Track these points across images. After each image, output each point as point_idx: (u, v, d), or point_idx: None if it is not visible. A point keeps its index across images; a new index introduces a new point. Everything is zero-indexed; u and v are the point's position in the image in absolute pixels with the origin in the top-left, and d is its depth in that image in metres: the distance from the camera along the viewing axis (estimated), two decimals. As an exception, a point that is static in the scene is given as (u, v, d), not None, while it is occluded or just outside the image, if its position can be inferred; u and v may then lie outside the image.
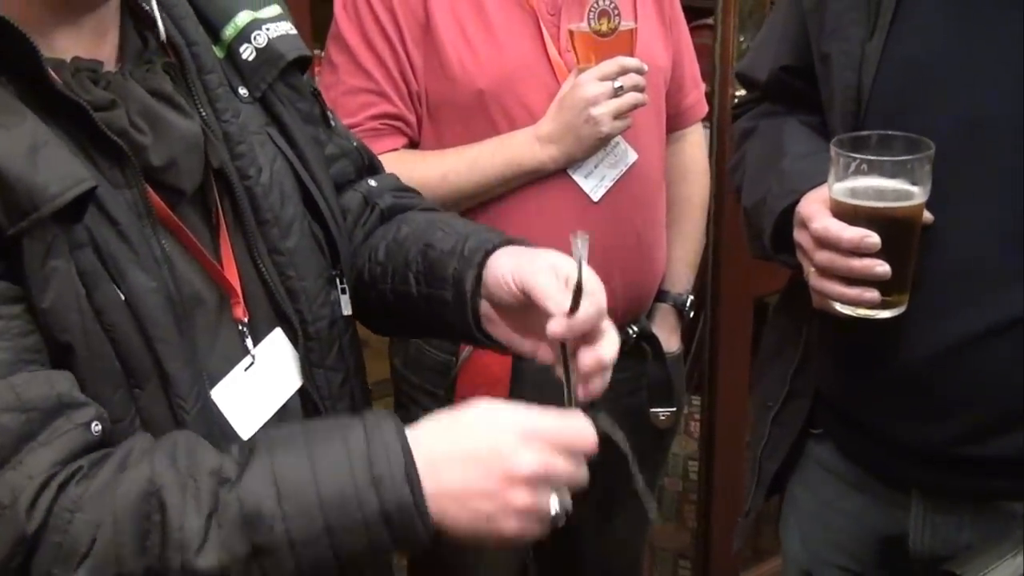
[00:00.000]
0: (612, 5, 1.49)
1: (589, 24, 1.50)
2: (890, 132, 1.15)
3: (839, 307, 1.16)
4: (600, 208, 1.60)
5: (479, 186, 1.57)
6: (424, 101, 1.58)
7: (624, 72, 1.51)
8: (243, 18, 1.03)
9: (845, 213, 1.13)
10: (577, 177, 1.59)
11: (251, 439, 0.91)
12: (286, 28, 1.05)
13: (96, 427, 0.82)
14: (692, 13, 1.89)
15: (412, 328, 1.29)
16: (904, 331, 1.18)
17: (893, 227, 1.11)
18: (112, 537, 0.78)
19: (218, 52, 1.02)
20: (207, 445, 0.85)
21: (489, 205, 1.59)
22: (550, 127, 1.54)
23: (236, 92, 1.01)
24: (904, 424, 1.24)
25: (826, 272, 1.15)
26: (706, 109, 1.89)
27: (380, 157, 1.24)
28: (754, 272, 2.14)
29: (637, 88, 1.53)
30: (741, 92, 2.19)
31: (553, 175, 1.58)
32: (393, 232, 1.11)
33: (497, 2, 1.57)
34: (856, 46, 1.22)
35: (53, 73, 0.86)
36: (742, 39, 2.18)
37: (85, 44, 0.91)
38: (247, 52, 1.02)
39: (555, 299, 0.92)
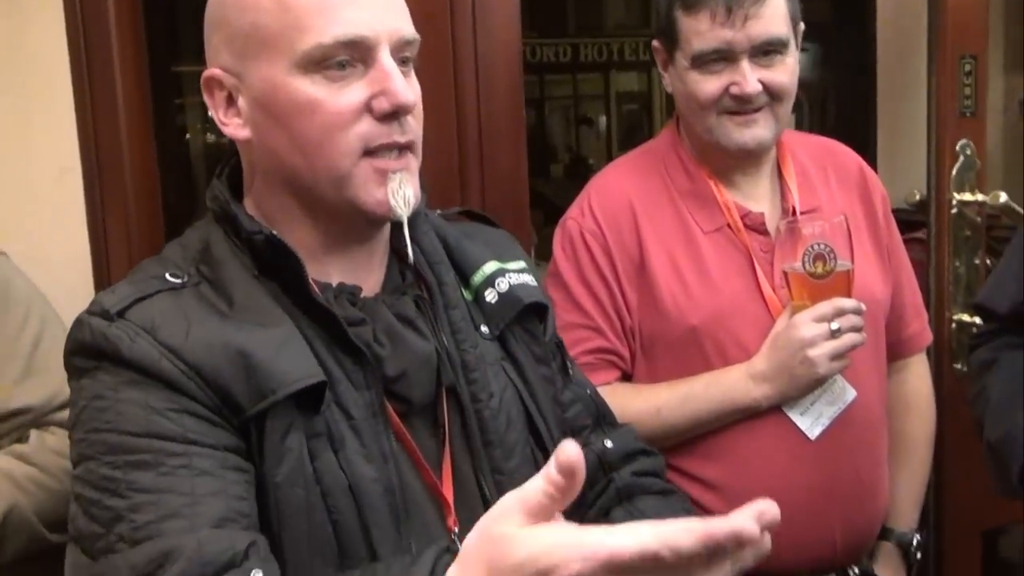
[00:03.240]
0: (828, 249, 1.49)
1: (804, 266, 1.50)
2: None
3: None
4: (817, 446, 1.56)
5: (691, 421, 1.57)
6: (638, 336, 1.62)
7: (841, 314, 1.49)
8: (490, 267, 1.19)
9: None
10: (793, 415, 1.56)
11: None
12: (527, 279, 1.20)
13: None
14: (903, 226, 1.85)
15: None
16: None
17: None
18: None
19: (467, 295, 1.18)
20: None
21: (701, 441, 1.58)
22: (764, 365, 1.54)
23: (478, 329, 1.15)
24: None
25: None
26: (930, 338, 1.83)
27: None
28: (981, 503, 2.00)
29: (855, 329, 1.51)
30: (958, 317, 2.13)
31: (767, 412, 1.56)
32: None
33: (710, 241, 1.60)
34: None
35: (316, 289, 1.03)
36: (957, 264, 2.12)
37: (352, 274, 1.09)
38: (490, 295, 1.17)
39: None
